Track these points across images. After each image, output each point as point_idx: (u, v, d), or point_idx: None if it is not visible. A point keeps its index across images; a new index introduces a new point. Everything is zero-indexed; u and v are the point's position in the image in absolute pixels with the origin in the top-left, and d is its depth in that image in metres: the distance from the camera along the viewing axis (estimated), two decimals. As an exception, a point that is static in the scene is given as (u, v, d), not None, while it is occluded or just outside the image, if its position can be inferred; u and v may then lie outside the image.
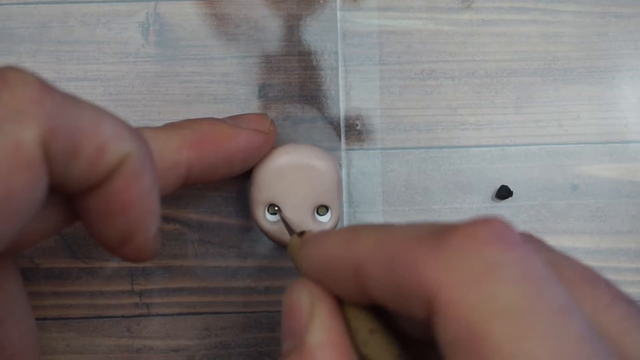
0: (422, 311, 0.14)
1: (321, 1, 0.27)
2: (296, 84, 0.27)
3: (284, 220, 0.24)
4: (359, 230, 0.17)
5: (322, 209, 0.25)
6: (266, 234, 0.25)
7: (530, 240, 0.17)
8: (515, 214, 0.27)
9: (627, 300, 0.15)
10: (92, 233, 0.18)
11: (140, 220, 0.17)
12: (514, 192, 0.27)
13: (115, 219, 0.17)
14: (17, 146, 0.14)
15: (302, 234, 0.21)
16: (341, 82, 0.27)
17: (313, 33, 0.27)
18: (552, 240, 0.25)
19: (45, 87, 0.15)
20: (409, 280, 0.15)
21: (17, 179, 0.14)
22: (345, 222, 0.27)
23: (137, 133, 0.17)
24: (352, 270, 0.16)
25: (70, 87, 0.27)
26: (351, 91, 0.27)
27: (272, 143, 0.24)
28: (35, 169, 0.15)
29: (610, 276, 0.27)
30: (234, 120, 0.24)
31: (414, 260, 0.15)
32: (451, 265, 0.14)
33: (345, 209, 0.27)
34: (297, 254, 0.20)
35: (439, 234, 0.15)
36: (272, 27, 0.27)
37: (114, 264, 0.27)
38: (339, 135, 0.27)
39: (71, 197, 0.17)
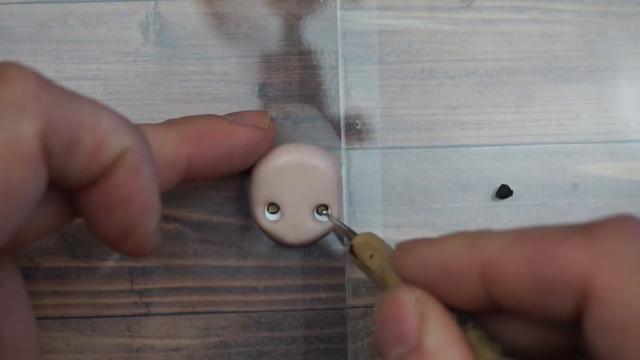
0: (570, 303, 0.15)
1: (321, 0, 0.27)
2: (296, 83, 0.27)
3: (338, 224, 0.24)
4: (482, 233, 0.17)
5: (322, 208, 0.25)
6: (266, 233, 0.25)
7: None
8: (516, 213, 0.27)
9: None
10: (92, 228, 0.18)
11: (140, 214, 0.17)
12: (514, 191, 0.27)
13: (115, 214, 0.17)
14: (15, 140, 0.14)
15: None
16: (341, 81, 0.27)
17: (313, 32, 0.27)
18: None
19: (43, 82, 0.15)
20: (558, 271, 0.15)
21: (15, 173, 0.14)
22: (345, 222, 0.27)
23: (136, 127, 0.17)
24: (479, 270, 0.16)
25: (70, 87, 0.26)
26: (351, 90, 0.27)
27: (272, 139, 0.24)
28: (34, 163, 0.15)
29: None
30: (233, 117, 0.24)
31: (563, 251, 0.15)
32: (607, 253, 0.14)
33: (345, 208, 0.27)
34: (377, 259, 0.20)
35: (586, 228, 0.15)
36: (272, 26, 0.27)
37: (113, 263, 0.27)
38: (339, 134, 0.27)
39: (71, 192, 0.17)
